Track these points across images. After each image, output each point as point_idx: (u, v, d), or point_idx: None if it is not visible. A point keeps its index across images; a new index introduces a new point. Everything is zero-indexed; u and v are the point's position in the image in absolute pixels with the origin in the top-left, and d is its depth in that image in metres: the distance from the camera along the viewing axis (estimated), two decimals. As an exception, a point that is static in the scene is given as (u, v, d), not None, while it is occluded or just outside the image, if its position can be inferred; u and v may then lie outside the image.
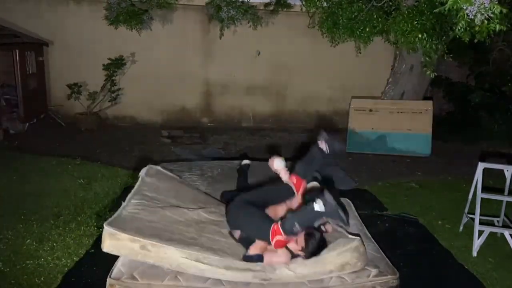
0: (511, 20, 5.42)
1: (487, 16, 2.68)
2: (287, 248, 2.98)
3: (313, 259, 2.87)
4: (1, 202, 4.56)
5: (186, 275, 2.80)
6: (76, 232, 3.99)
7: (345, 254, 2.86)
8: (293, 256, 2.96)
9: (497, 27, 2.75)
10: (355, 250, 2.88)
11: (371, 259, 3.05)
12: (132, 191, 3.44)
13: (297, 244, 2.93)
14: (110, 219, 2.90)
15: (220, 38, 7.96)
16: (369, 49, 6.77)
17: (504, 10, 2.70)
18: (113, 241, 2.75)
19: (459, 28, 2.83)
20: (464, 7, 2.68)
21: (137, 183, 3.60)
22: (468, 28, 2.82)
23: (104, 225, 2.80)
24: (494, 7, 2.63)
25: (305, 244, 2.89)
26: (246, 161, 4.65)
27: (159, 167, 3.98)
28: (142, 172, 3.73)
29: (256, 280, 2.80)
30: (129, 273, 2.79)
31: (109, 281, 2.76)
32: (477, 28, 2.74)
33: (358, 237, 2.99)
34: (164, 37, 8.60)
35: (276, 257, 2.95)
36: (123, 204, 3.19)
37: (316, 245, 2.89)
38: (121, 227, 2.82)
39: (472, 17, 2.70)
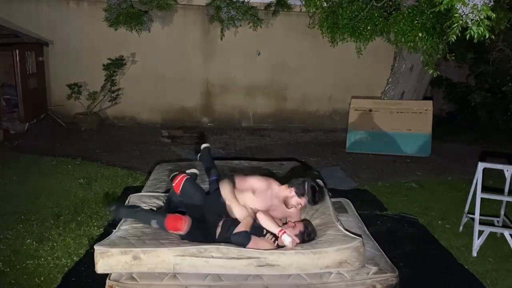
0: (510, 20, 5.44)
1: (478, 19, 2.66)
2: (275, 237, 3.12)
3: (312, 250, 2.88)
4: (1, 202, 4.56)
5: (185, 274, 2.80)
6: (76, 232, 4.00)
7: (344, 252, 2.86)
8: (279, 246, 3.08)
9: (486, 33, 2.72)
10: (355, 249, 2.88)
11: (371, 257, 3.05)
12: (121, 220, 3.42)
13: (293, 229, 3.10)
14: (100, 242, 2.90)
15: (221, 39, 7.96)
16: (369, 49, 6.76)
17: (493, 15, 2.68)
18: (105, 259, 2.75)
19: (454, 27, 2.82)
20: (458, 6, 2.67)
21: None
22: (461, 29, 2.81)
23: (95, 246, 2.80)
24: (484, 8, 2.61)
25: (303, 228, 3.10)
26: (205, 145, 4.33)
27: (140, 193, 3.94)
28: (127, 202, 3.72)
29: (252, 266, 2.80)
30: (128, 274, 2.79)
31: (108, 282, 2.76)
32: (473, 30, 2.72)
33: (360, 238, 2.99)
34: (164, 37, 8.60)
35: (262, 244, 3.02)
36: (114, 231, 3.18)
37: (309, 233, 3.12)
38: (111, 244, 2.84)
39: (465, 18, 2.69)
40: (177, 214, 3.14)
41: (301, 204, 3.23)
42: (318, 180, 3.33)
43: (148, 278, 2.78)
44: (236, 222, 3.16)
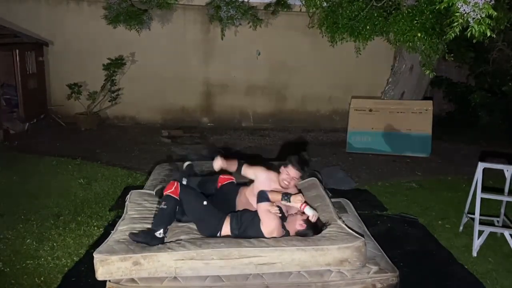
0: (510, 20, 5.44)
1: (479, 17, 2.66)
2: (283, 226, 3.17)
3: (313, 246, 2.88)
4: (1, 202, 4.56)
5: (185, 276, 2.79)
6: (76, 232, 4.00)
7: (346, 251, 2.86)
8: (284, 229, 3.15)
9: (488, 31, 2.72)
10: (357, 249, 2.88)
11: (372, 256, 3.05)
12: (120, 219, 3.40)
13: (302, 215, 3.14)
14: (98, 248, 2.88)
15: (222, 39, 7.95)
16: (369, 49, 6.76)
17: (494, 14, 2.68)
18: (105, 266, 2.74)
19: (455, 26, 2.81)
20: (459, 5, 2.67)
21: (124, 211, 3.54)
22: (461, 28, 2.81)
23: (94, 254, 2.79)
24: (486, 7, 2.60)
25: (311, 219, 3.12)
26: (187, 163, 4.29)
27: (141, 190, 3.94)
28: (127, 199, 3.70)
29: (252, 265, 2.80)
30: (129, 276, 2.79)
31: (108, 284, 2.76)
32: (474, 28, 2.71)
33: (362, 238, 2.99)
34: (164, 37, 8.60)
35: (274, 196, 3.17)
36: (112, 232, 3.17)
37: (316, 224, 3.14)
38: (110, 251, 2.82)
39: (466, 16, 2.68)
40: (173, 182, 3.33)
41: (289, 174, 3.33)
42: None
43: (148, 280, 2.78)
44: (246, 212, 3.26)
